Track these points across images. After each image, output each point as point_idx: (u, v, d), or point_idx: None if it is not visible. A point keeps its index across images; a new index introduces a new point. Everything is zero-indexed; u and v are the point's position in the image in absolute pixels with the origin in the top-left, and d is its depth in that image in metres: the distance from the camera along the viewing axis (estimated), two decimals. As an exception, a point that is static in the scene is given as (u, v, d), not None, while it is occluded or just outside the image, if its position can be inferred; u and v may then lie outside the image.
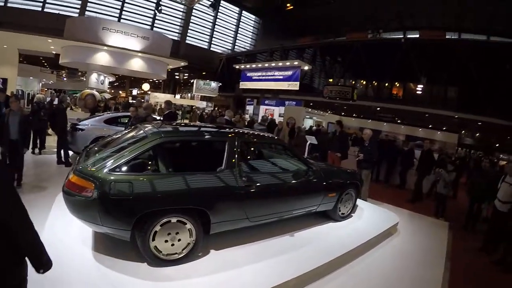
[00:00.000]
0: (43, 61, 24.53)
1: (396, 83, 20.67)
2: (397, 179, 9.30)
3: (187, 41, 30.77)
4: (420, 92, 19.15)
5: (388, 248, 4.30)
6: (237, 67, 20.19)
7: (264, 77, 18.06)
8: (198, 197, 2.82)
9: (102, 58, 13.23)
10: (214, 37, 33.41)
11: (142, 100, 13.19)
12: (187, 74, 33.45)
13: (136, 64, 14.13)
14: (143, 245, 2.62)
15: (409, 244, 4.57)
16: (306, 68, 17.04)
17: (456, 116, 17.48)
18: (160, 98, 24.72)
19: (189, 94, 33.53)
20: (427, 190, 8.34)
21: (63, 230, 3.15)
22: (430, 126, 18.95)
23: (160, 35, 17.35)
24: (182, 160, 3.13)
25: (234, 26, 35.07)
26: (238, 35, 35.38)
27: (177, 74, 32.22)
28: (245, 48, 35.56)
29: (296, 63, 16.20)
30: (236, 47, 35.47)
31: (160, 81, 31.01)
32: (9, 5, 20.75)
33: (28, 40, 12.53)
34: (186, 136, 3.51)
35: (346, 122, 20.50)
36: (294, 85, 16.25)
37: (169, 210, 2.67)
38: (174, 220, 2.69)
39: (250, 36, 37.08)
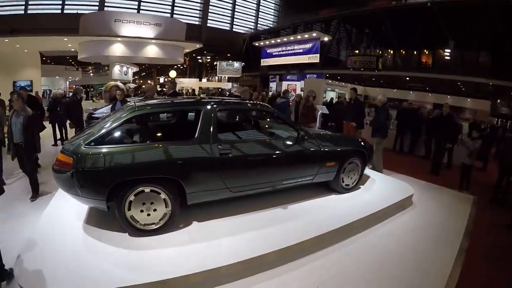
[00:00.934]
0: (70, 60, 25.62)
1: (425, 50, 18.96)
2: (422, 150, 8.67)
3: (208, 25, 30.43)
4: (450, 59, 17.44)
5: (398, 223, 3.88)
6: (257, 44, 19.66)
7: (284, 52, 17.57)
8: (169, 166, 2.79)
9: (117, 49, 13.59)
10: (236, 18, 32.73)
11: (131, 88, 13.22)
12: (209, 57, 33.24)
13: (152, 51, 14.31)
14: (120, 215, 2.71)
15: (424, 219, 4.08)
16: (326, 39, 16.15)
17: (491, 84, 15.69)
18: (185, 83, 25.00)
19: (216, 77, 33.64)
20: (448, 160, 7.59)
21: (64, 208, 3.37)
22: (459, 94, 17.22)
23: (173, 20, 17.49)
24: (157, 132, 3.19)
25: (255, 5, 34.09)
26: (260, 13, 34.38)
27: (199, 57, 32.17)
28: (267, 26, 34.60)
29: (314, 34, 15.39)
30: (258, 25, 34.59)
31: (184, 66, 31.21)
32: (29, 11, 21.37)
33: (46, 42, 13.30)
34: (161, 108, 3.42)
35: (371, 93, 19.59)
36: (315, 58, 15.59)
37: (141, 180, 2.70)
38: (147, 190, 2.72)
39: (272, 13, 35.85)
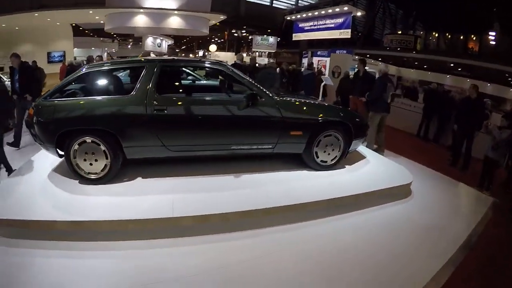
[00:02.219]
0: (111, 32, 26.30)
1: (472, 35, 16.75)
2: (449, 138, 7.54)
3: None
4: (497, 46, 15.15)
5: (379, 215, 3.18)
6: (288, 18, 18.68)
7: (316, 27, 16.43)
8: (105, 120, 2.92)
9: (140, 20, 13.70)
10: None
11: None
12: (244, 32, 32.45)
13: (174, 22, 14.23)
14: (67, 162, 2.96)
15: (416, 216, 3.27)
16: (359, 14, 14.71)
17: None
18: (220, 56, 24.86)
19: (256, 52, 33.25)
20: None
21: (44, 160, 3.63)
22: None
23: None
24: (103, 88, 3.31)
25: None
26: None
27: (234, 32, 31.61)
28: (308, 2, 32.89)
29: (346, 8, 14.06)
30: (300, 1, 33.01)
31: (222, 40, 31.32)
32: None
33: (74, 15, 13.99)
34: (108, 66, 3.44)
35: (405, 74, 17.87)
36: (346, 33, 14.34)
37: (83, 131, 2.90)
38: (88, 140, 2.90)
39: None
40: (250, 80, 3.39)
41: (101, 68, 3.34)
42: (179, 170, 3.36)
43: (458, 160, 5.84)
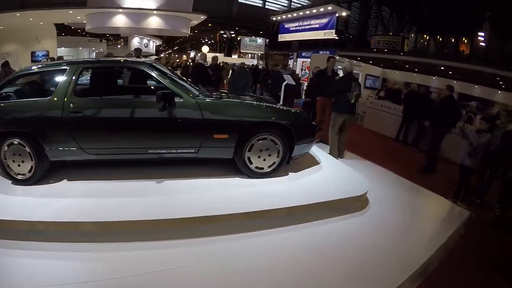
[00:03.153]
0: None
1: (464, 38, 16.41)
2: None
3: (240, 0, 29.23)
4: (487, 49, 14.80)
5: (316, 232, 2.78)
6: (274, 18, 18.35)
7: (301, 27, 16.17)
8: (25, 122, 2.96)
9: (119, 20, 13.35)
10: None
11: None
12: (233, 33, 32.17)
13: (154, 22, 13.85)
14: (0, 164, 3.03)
15: (367, 234, 2.83)
16: (344, 14, 14.32)
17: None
18: (209, 56, 24.56)
19: (249, 54, 32.82)
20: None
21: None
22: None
23: None
24: (29, 91, 3.49)
25: None
26: None
27: (222, 32, 31.32)
28: (300, 4, 32.54)
29: (330, 8, 13.72)
30: (292, 3, 32.71)
31: (212, 42, 31.21)
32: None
33: (56, 15, 13.78)
34: (36, 70, 3.51)
35: (390, 76, 17.51)
36: (330, 34, 14.04)
37: (10, 133, 2.94)
38: (15, 142, 2.94)
39: None
40: (172, 80, 3.17)
41: (29, 71, 3.41)
42: (113, 173, 3.25)
43: (434, 165, 5.39)
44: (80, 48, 22.95)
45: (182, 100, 2.97)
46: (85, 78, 3.91)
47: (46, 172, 3.12)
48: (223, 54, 29.82)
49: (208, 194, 2.96)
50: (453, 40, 17.54)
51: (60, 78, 3.05)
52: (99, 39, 24.20)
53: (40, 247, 2.39)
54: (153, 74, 3.10)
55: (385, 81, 14.27)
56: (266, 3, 30.98)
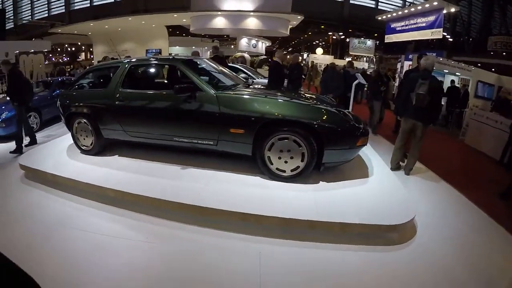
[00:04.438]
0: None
1: None
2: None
3: (352, 1, 27.98)
4: None
5: (302, 252, 2.41)
6: (380, 18, 16.72)
7: (407, 27, 14.30)
8: (89, 106, 3.75)
9: (219, 22, 14.55)
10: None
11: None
12: (342, 35, 30.92)
13: (252, 23, 14.52)
14: (73, 138, 4.11)
15: (400, 275, 2.22)
16: (452, 10, 11.85)
17: None
18: (319, 59, 24.58)
19: (365, 58, 31.38)
20: None
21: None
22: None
23: None
24: (95, 83, 4.31)
25: None
26: None
27: (331, 34, 30.47)
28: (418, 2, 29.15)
29: (435, 3, 11.63)
30: (407, 3, 29.59)
31: (327, 44, 30.98)
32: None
33: (164, 18, 16.18)
34: (100, 67, 4.60)
35: (508, 84, 13.67)
36: (438, 33, 11.89)
37: (79, 114, 3.84)
38: (83, 121, 3.84)
39: None
40: (200, 76, 3.43)
41: (95, 68, 4.54)
42: (155, 156, 3.78)
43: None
44: (193, 47, 25.80)
45: (203, 94, 3.12)
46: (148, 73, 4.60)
47: (103, 147, 3.94)
48: (333, 57, 29.13)
49: (219, 186, 3.01)
50: None
51: (114, 73, 3.73)
52: (211, 39, 26.68)
53: (76, 200, 3.20)
54: (183, 69, 3.41)
55: (499, 90, 11.35)
56: (379, 3, 28.79)
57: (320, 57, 25.57)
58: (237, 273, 2.17)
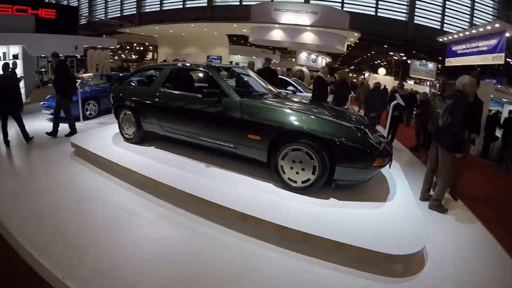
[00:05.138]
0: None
1: None
2: None
3: (416, 21, 26.72)
4: None
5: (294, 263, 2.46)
6: (441, 40, 15.76)
7: (468, 50, 13.35)
8: (134, 101, 4.33)
9: (276, 34, 15.09)
10: (447, 15, 27.13)
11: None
12: (403, 55, 29.36)
13: (308, 37, 14.81)
14: (119, 127, 4.81)
15: None
16: None
17: None
18: (379, 79, 23.94)
19: (428, 81, 29.71)
20: None
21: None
22: None
23: (330, 8, 16.53)
24: (142, 81, 4.92)
25: (469, 1, 26.94)
26: (474, 10, 26.84)
27: (392, 54, 29.39)
28: (481, 23, 26.56)
29: (497, 25, 10.42)
30: (474, 22, 27.21)
31: (390, 65, 30.49)
32: (212, 4, 26.45)
33: (224, 27, 17.46)
34: (147, 67, 5.78)
35: None
36: (499, 58, 10.90)
37: (125, 106, 4.45)
38: (127, 113, 4.47)
39: (491, 7, 27.06)
40: (225, 83, 3.70)
41: (143, 68, 5.38)
42: (187, 152, 4.19)
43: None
44: (254, 57, 26.43)
45: (228, 100, 3.42)
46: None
47: (142, 138, 4.51)
48: (393, 78, 27.81)
49: (232, 186, 3.24)
50: None
51: (158, 74, 4.29)
52: (272, 50, 27.23)
53: (110, 178, 3.89)
54: (214, 76, 3.74)
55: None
56: (445, 24, 26.94)
57: (381, 78, 24.57)
58: (225, 265, 2.39)
